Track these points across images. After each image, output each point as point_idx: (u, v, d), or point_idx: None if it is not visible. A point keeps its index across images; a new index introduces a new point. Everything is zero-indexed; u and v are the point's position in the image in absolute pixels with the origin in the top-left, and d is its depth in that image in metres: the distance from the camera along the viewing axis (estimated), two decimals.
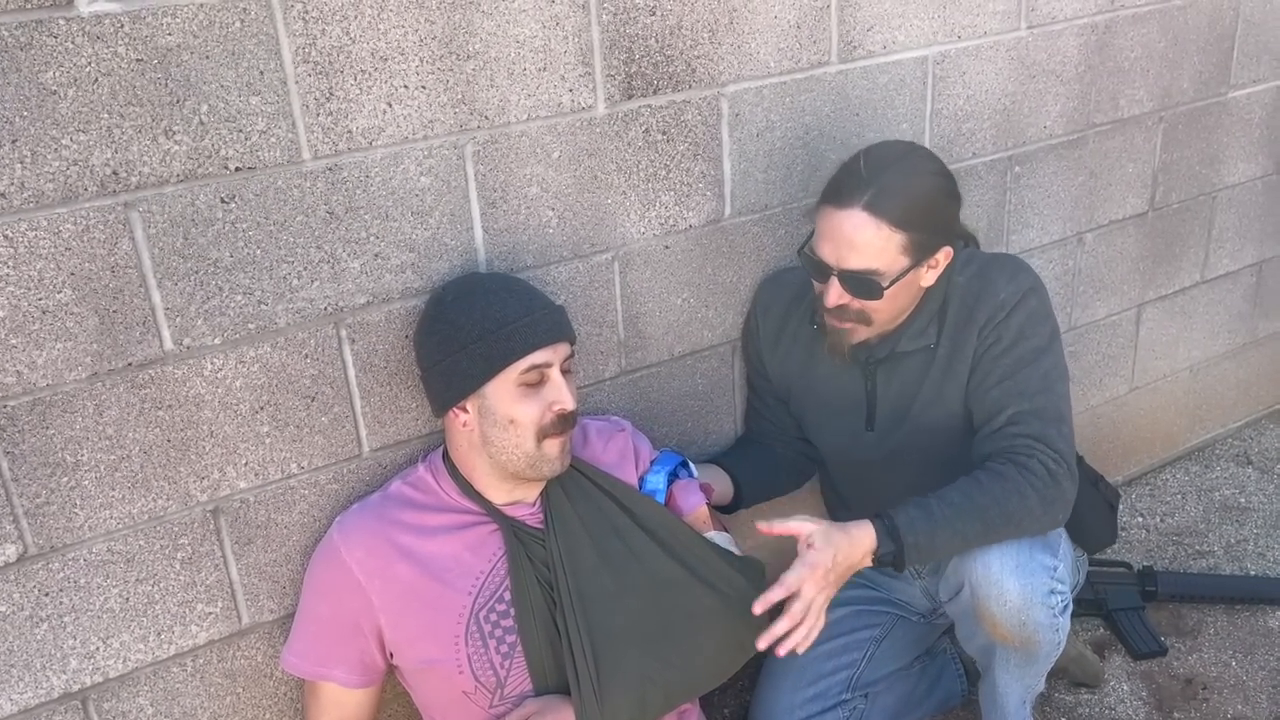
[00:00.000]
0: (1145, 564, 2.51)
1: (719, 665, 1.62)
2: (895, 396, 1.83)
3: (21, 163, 1.34)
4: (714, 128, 1.86)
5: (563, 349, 1.55)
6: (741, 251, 1.97)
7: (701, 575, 1.62)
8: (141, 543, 1.56)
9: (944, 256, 1.71)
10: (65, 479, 1.48)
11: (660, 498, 1.68)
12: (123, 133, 1.39)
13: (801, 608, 1.51)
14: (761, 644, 1.51)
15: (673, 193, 1.85)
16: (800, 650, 1.52)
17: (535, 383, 1.52)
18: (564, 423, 1.52)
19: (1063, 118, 2.30)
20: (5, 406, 1.41)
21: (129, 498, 1.53)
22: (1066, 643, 2.16)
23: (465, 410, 1.55)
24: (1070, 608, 1.72)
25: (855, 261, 1.64)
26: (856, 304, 1.69)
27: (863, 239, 1.63)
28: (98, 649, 1.57)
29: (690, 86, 1.81)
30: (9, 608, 1.49)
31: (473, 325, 1.52)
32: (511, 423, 1.51)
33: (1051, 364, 1.71)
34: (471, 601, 1.54)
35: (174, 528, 1.58)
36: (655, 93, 1.77)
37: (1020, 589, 1.63)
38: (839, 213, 1.65)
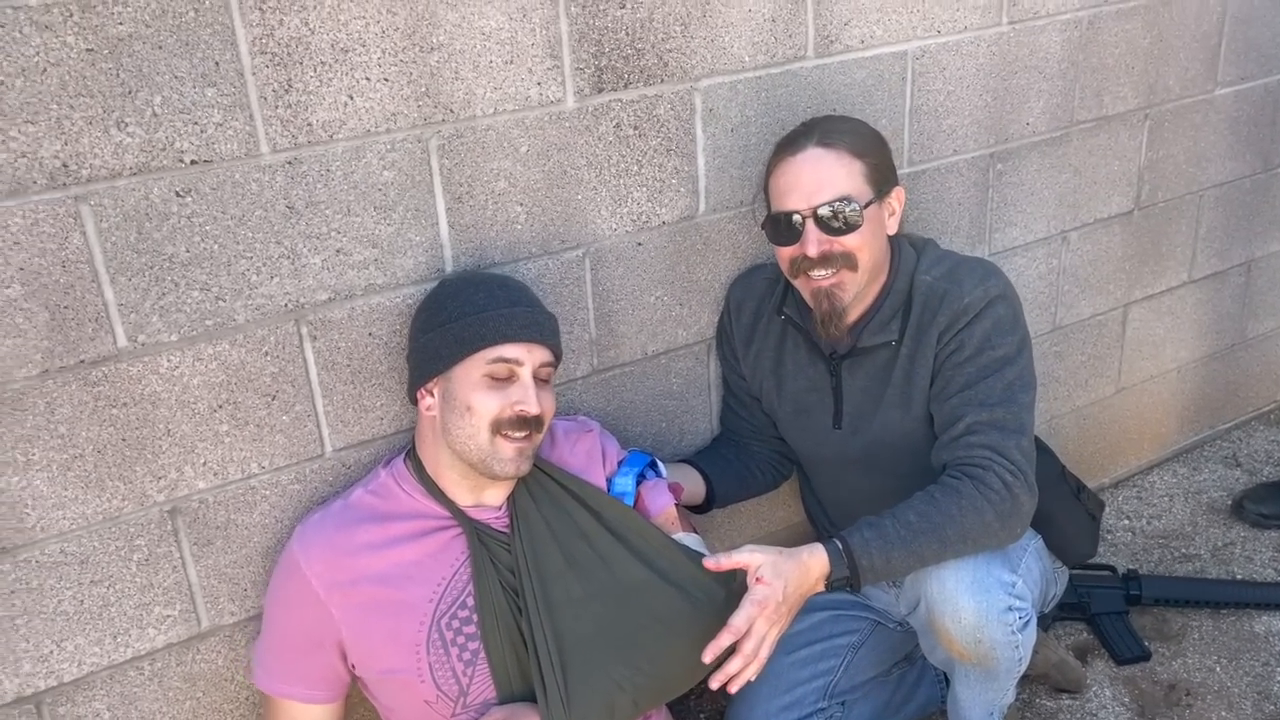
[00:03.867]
0: (1130, 567, 2.48)
1: (688, 670, 1.58)
2: (860, 395, 1.80)
3: None
4: (687, 123, 1.82)
5: (539, 352, 1.51)
6: (716, 249, 1.94)
7: (670, 578, 1.58)
8: (96, 544, 1.53)
9: (898, 201, 1.74)
10: (16, 479, 1.45)
11: (629, 500, 1.64)
12: (73, 124, 1.35)
13: (754, 646, 1.45)
14: (714, 684, 1.46)
15: (645, 189, 1.82)
16: (753, 678, 1.47)
17: (503, 378, 1.49)
18: (523, 424, 1.48)
19: (1046, 114, 2.26)
20: None
21: (83, 498, 1.50)
22: (1048, 648, 2.14)
23: (430, 394, 1.53)
24: (1032, 623, 1.68)
25: (826, 193, 1.64)
26: (838, 245, 1.66)
27: (827, 169, 1.65)
28: (52, 652, 1.54)
29: (662, 80, 1.77)
30: None
31: (454, 308, 1.51)
32: (469, 409, 1.48)
33: (1016, 375, 1.67)
34: (433, 609, 1.51)
35: (130, 528, 1.55)
36: (626, 86, 1.74)
37: (976, 607, 1.59)
38: (795, 158, 1.67)
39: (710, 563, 1.51)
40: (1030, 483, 1.63)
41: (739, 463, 1.98)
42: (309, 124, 1.50)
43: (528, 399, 1.48)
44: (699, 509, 1.92)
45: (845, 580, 1.54)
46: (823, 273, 1.68)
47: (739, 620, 1.45)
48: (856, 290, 1.70)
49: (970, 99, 2.14)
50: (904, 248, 1.77)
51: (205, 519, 1.60)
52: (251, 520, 1.64)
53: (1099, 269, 2.52)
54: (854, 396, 1.81)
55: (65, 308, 1.41)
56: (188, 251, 1.47)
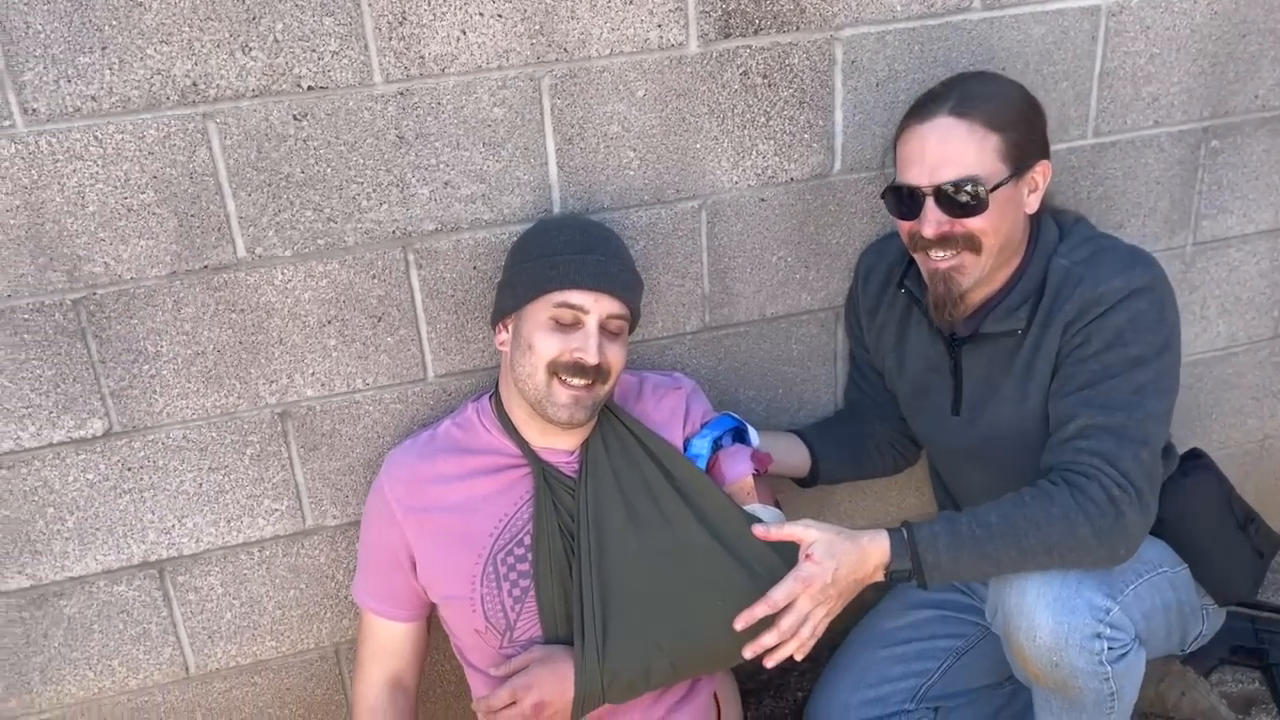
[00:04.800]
0: None
1: (738, 644, 1.52)
2: (980, 383, 1.64)
3: (110, 69, 1.44)
4: (825, 74, 1.71)
5: (607, 303, 1.49)
6: (851, 211, 1.82)
7: (734, 550, 1.53)
8: (214, 435, 1.67)
9: (1042, 176, 1.55)
10: (146, 367, 1.61)
11: (701, 463, 1.59)
12: (202, 46, 1.46)
13: (793, 623, 1.39)
14: (747, 653, 1.42)
15: (772, 141, 1.73)
16: (798, 658, 1.41)
17: (568, 323, 1.48)
18: (581, 372, 1.47)
19: None
20: (95, 294, 1.55)
21: (203, 391, 1.64)
22: (1198, 692, 1.91)
23: (506, 329, 1.56)
24: (1131, 657, 1.48)
25: (951, 171, 1.48)
26: (960, 226, 1.51)
27: (956, 143, 1.48)
28: (173, 526, 1.71)
29: (798, 28, 1.67)
30: (96, 476, 1.64)
31: (533, 249, 1.53)
32: (530, 348, 1.49)
33: (1150, 379, 1.46)
34: (491, 543, 1.54)
35: (244, 425, 1.68)
36: (756, 33, 1.66)
37: (1054, 626, 1.43)
38: (922, 126, 1.51)
39: (759, 530, 1.46)
40: (1145, 501, 1.44)
41: (855, 441, 1.87)
42: (421, 57, 1.54)
43: (587, 347, 1.46)
44: (803, 483, 1.84)
45: (907, 574, 1.43)
46: (941, 254, 1.54)
47: (778, 594, 1.40)
48: (978, 275, 1.54)
49: (1181, 63, 1.87)
50: (1047, 227, 1.59)
51: (312, 425, 1.71)
52: (355, 432, 1.73)
53: None
54: (974, 383, 1.66)
55: (192, 216, 1.54)
56: (302, 173, 1.56)
